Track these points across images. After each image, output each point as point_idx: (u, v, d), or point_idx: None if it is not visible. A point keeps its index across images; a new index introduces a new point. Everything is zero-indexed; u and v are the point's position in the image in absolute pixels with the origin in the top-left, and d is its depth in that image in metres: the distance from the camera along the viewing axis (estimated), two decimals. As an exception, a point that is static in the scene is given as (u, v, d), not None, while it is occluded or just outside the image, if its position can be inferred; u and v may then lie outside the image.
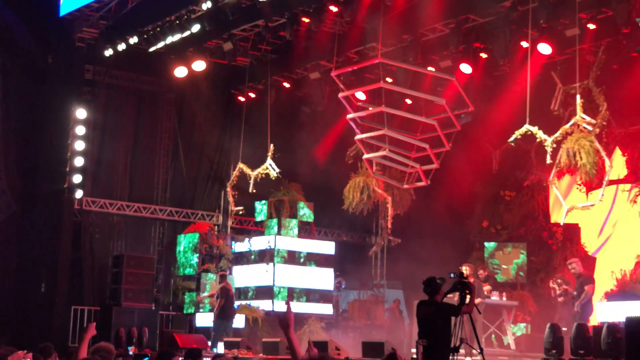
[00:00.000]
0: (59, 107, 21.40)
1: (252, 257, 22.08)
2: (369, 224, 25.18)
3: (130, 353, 18.12)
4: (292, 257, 21.86)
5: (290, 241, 22.02)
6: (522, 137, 16.68)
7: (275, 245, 21.62)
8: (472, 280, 16.71)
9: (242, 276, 22.00)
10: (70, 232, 21.27)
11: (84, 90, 21.86)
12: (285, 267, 21.55)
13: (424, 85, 20.09)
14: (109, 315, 19.89)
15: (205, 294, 20.70)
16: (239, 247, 22.40)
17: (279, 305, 20.97)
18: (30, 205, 21.57)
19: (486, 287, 18.29)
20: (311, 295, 21.92)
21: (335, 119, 22.54)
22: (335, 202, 22.20)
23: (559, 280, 17.97)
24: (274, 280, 21.33)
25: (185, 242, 22.12)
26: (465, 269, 16.80)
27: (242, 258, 22.29)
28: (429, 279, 11.11)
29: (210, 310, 20.48)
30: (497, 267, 20.76)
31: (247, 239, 22.34)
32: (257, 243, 22.11)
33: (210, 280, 21.29)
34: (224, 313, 19.15)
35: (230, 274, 21.66)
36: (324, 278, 22.17)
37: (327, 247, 22.59)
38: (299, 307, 21.38)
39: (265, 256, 21.77)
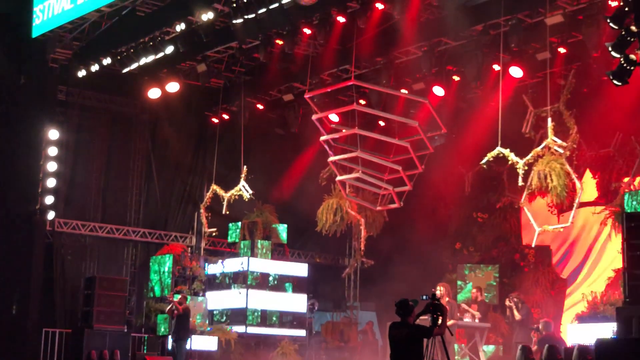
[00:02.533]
0: (31, 127, 21.27)
1: (226, 279, 21.99)
2: (342, 246, 25.17)
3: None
4: (265, 280, 21.79)
5: (263, 263, 21.96)
6: (494, 159, 16.80)
7: (248, 267, 21.55)
8: (447, 299, 16.80)
9: (216, 299, 21.90)
10: (42, 253, 21.07)
11: (57, 111, 21.73)
12: (258, 292, 21.46)
13: (397, 107, 20.21)
14: (80, 337, 19.68)
15: (175, 299, 20.34)
16: (212, 268, 22.32)
17: (252, 328, 20.89)
18: (2, 227, 21.37)
19: (472, 311, 18.35)
20: (284, 317, 21.85)
21: (309, 141, 22.63)
22: (308, 224, 22.22)
23: (515, 299, 18.11)
24: (247, 303, 21.24)
25: (159, 264, 22.01)
26: (440, 289, 16.90)
27: (215, 280, 22.20)
28: (401, 300, 11.11)
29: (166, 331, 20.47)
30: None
31: (220, 261, 22.27)
32: (231, 265, 22.04)
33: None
34: (185, 333, 19.09)
35: (204, 295, 21.62)
36: (297, 301, 22.11)
37: (300, 270, 22.54)
38: (272, 330, 21.37)
39: (238, 278, 21.70)
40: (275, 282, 21.94)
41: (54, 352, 20.10)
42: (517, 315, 18.07)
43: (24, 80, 21.56)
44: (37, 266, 20.83)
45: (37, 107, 21.40)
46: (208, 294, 21.92)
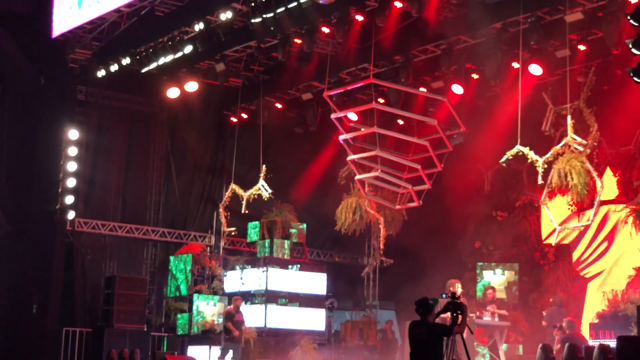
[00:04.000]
0: (51, 128, 21.41)
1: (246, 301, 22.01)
2: (361, 245, 25.19)
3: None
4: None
5: (281, 277, 21.76)
6: (514, 157, 16.72)
7: (266, 286, 21.49)
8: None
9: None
10: (62, 253, 21.19)
11: (77, 111, 21.85)
12: (275, 307, 21.52)
13: (416, 106, 20.19)
14: (100, 336, 19.74)
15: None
16: (231, 282, 22.26)
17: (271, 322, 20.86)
18: (23, 226, 21.53)
19: (489, 308, 18.28)
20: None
21: (328, 140, 22.63)
22: (327, 223, 22.20)
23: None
24: (265, 322, 21.21)
25: (184, 262, 22.04)
26: (458, 286, 16.83)
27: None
28: (421, 299, 11.10)
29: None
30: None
31: (239, 274, 22.15)
32: (250, 278, 21.94)
33: (201, 300, 21.18)
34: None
35: (223, 294, 21.66)
36: (314, 318, 22.02)
37: (318, 284, 22.25)
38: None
39: (256, 295, 21.73)
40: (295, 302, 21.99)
41: (74, 351, 20.19)
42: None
43: (44, 80, 21.74)
44: (58, 265, 20.95)
45: (57, 108, 21.54)
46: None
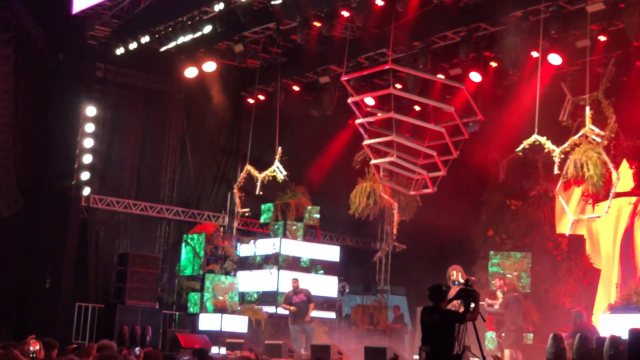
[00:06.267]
0: (69, 104, 21.47)
1: (257, 259, 22.11)
2: (374, 230, 25.21)
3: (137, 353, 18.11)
4: (297, 262, 21.85)
5: (295, 245, 22.02)
6: (530, 147, 16.69)
7: (280, 249, 21.63)
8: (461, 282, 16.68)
9: (247, 280, 22.01)
10: (77, 229, 21.28)
11: (95, 88, 21.87)
12: (289, 273, 21.48)
13: (433, 92, 20.17)
14: (112, 313, 19.92)
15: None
16: (244, 249, 22.42)
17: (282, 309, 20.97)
18: (38, 201, 21.62)
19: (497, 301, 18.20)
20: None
21: (344, 124, 22.64)
22: (341, 206, 22.23)
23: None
24: (278, 286, 21.30)
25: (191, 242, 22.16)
26: (458, 274, 16.80)
27: (247, 261, 22.30)
28: (434, 286, 11.13)
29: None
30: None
31: (252, 241, 22.36)
32: (263, 246, 22.13)
33: (216, 282, 21.27)
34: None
35: (235, 275, 21.74)
36: (328, 284, 22.15)
37: (332, 253, 22.58)
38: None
39: (270, 259, 21.79)
40: (307, 265, 21.99)
41: (86, 327, 20.33)
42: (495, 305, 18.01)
43: (62, 57, 21.75)
44: (71, 241, 21.05)
45: (75, 84, 21.57)
46: (239, 273, 22.02)
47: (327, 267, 22.26)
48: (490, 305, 18.08)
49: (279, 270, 21.40)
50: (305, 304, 19.52)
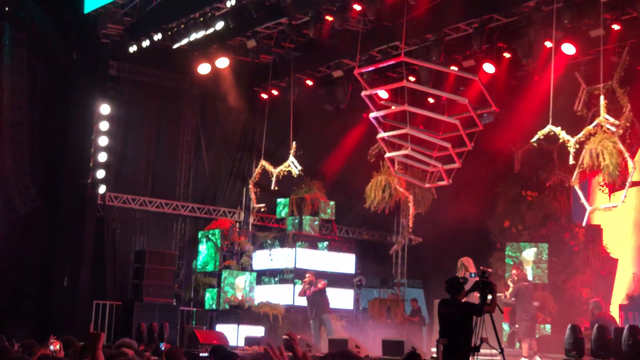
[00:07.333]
0: (83, 102, 21.55)
1: (272, 281, 22.08)
2: (390, 223, 25.19)
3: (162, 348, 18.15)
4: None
5: (310, 256, 21.78)
6: (545, 137, 16.65)
7: (295, 263, 21.54)
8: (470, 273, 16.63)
9: (265, 292, 22.02)
10: (93, 227, 21.36)
11: (108, 86, 21.97)
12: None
13: (447, 84, 20.13)
14: (130, 310, 19.98)
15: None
16: (259, 260, 22.35)
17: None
18: (54, 200, 21.71)
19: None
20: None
21: (358, 118, 22.62)
22: (356, 200, 22.23)
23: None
24: (294, 300, 21.17)
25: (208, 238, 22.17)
26: (467, 265, 16.73)
27: (263, 277, 22.31)
28: (451, 278, 11.13)
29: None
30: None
31: (268, 252, 22.21)
32: (278, 257, 22.00)
33: (231, 277, 21.30)
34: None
35: (252, 271, 21.72)
36: (343, 298, 22.01)
37: (347, 264, 22.32)
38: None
39: (284, 276, 21.79)
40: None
41: (104, 324, 20.38)
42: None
43: (76, 55, 21.83)
44: (88, 239, 21.13)
45: (89, 82, 21.65)
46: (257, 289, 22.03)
47: (342, 280, 22.06)
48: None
49: (294, 284, 21.28)
50: (321, 295, 19.45)
